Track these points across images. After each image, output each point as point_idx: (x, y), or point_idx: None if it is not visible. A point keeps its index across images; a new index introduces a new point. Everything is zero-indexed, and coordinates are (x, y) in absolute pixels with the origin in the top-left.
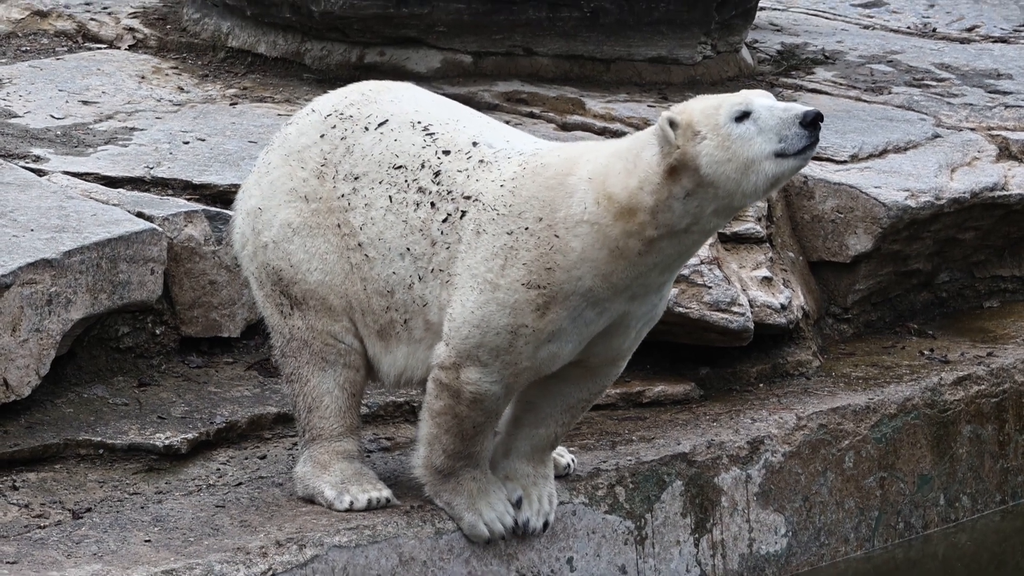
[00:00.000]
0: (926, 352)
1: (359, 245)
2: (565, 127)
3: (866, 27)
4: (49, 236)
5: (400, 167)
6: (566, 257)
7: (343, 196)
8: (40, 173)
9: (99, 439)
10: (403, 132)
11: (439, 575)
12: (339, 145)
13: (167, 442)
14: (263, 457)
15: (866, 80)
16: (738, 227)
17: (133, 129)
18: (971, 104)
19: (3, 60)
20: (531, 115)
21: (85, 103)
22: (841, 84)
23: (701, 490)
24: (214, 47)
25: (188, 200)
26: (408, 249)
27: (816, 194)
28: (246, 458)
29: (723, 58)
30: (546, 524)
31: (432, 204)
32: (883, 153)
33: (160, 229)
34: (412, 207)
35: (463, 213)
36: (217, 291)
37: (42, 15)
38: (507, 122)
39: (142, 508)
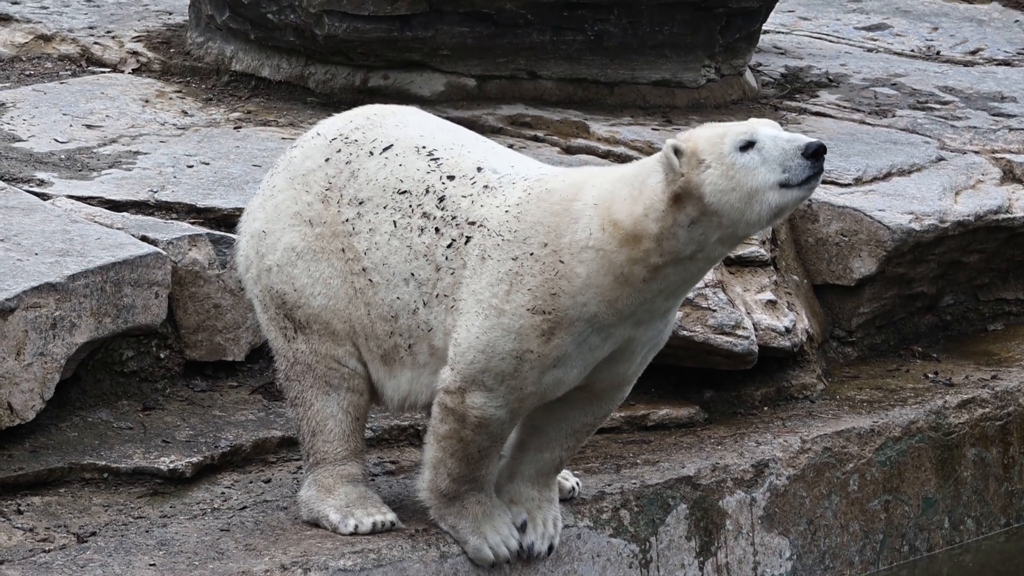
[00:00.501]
0: (930, 375)
1: (363, 270)
2: (569, 150)
3: (870, 50)
4: (53, 260)
5: (405, 192)
6: (571, 283)
7: (347, 220)
8: (44, 197)
9: (104, 463)
10: (408, 157)
11: None
12: (344, 169)
13: (172, 466)
14: (268, 481)
15: (870, 103)
16: (742, 250)
17: (137, 153)
18: (975, 127)
19: (7, 84)
20: (535, 138)
21: (89, 127)
22: (845, 107)
23: (706, 513)
24: (218, 71)
25: (192, 224)
26: (412, 274)
27: (820, 217)
28: (251, 482)
29: (727, 81)
30: (551, 548)
31: (437, 229)
32: (887, 176)
33: (164, 253)
34: (416, 232)
35: (468, 239)
36: (221, 315)
37: (46, 39)
38: (511, 146)
39: (147, 532)
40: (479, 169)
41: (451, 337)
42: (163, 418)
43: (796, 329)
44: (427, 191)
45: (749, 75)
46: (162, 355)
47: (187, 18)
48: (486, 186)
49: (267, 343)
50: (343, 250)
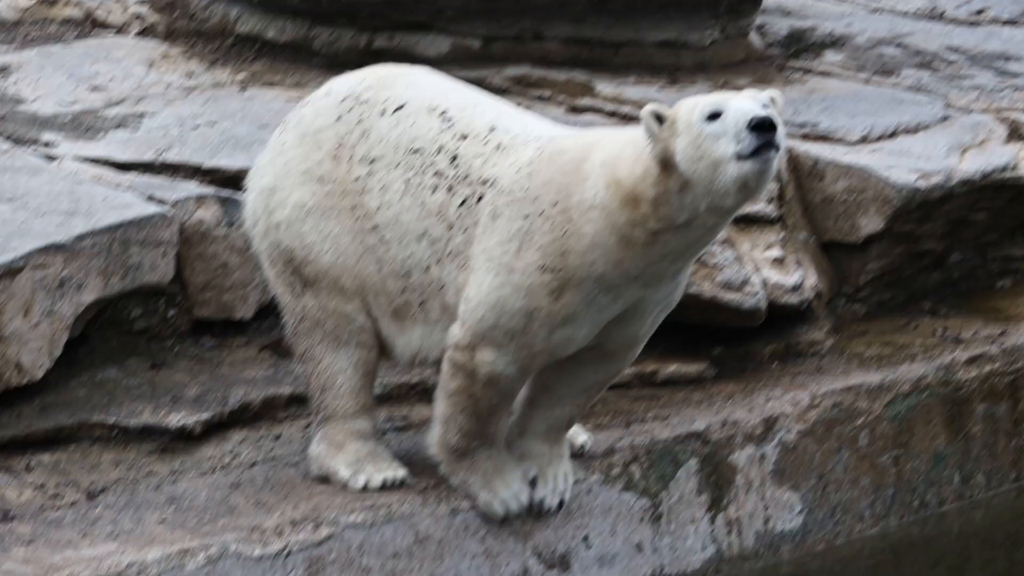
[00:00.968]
0: (939, 331)
1: (375, 227)
2: (575, 110)
3: (874, 10)
4: (60, 220)
5: (417, 151)
6: (579, 242)
7: (358, 179)
8: (50, 158)
9: (113, 420)
10: (420, 116)
11: (455, 553)
12: (355, 128)
13: (181, 423)
14: (277, 437)
15: (875, 63)
16: (749, 208)
17: (143, 114)
18: (980, 86)
19: (11, 47)
20: (541, 99)
21: (94, 89)
22: (850, 67)
23: (716, 468)
24: (223, 33)
25: (199, 184)
26: (425, 232)
27: (827, 175)
28: (260, 438)
29: (732, 42)
30: (561, 502)
31: (449, 188)
32: (893, 135)
33: (171, 213)
34: (429, 191)
35: (480, 197)
36: (229, 273)
37: (50, 3)
38: (517, 105)
39: (157, 488)
40: (492, 129)
41: (462, 294)
42: (172, 376)
43: (804, 286)
44: (440, 150)
45: (754, 36)
46: (170, 313)
47: None
48: (499, 145)
49: (275, 300)
50: (353, 208)
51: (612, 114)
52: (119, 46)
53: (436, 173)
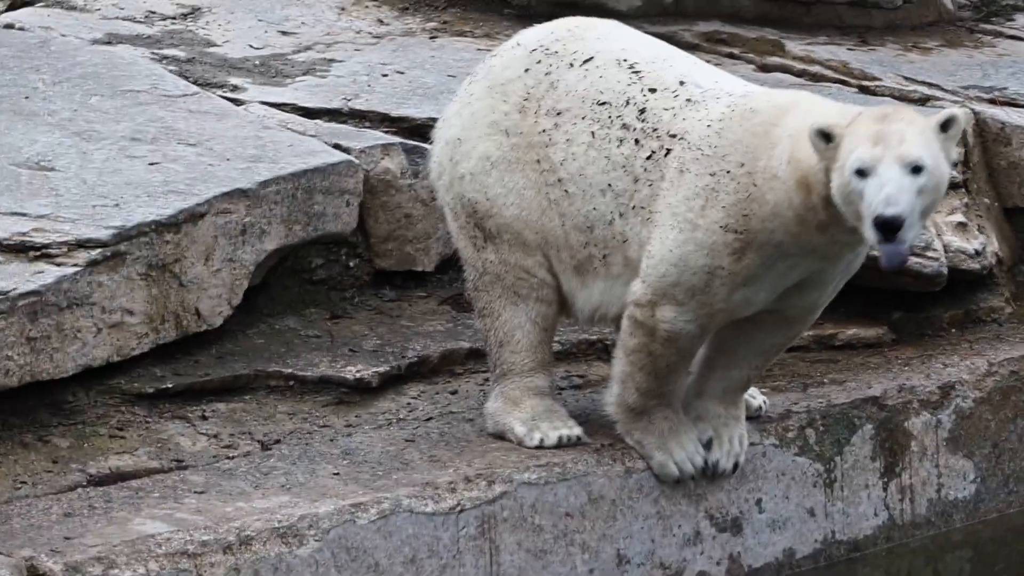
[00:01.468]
0: None
1: (559, 181)
2: (764, 68)
3: None
4: (245, 166)
5: (604, 103)
6: (761, 208)
7: (544, 131)
8: (237, 103)
9: (290, 371)
10: (609, 69)
11: (627, 514)
12: (543, 80)
13: (358, 375)
14: (454, 392)
15: None
16: None
17: (331, 60)
18: None
19: None
20: (730, 56)
21: (284, 33)
22: None
23: (891, 434)
24: None
25: (385, 133)
26: (610, 185)
27: (1014, 140)
28: (437, 393)
29: (923, 3)
30: (736, 465)
31: (636, 141)
32: None
33: (356, 161)
34: (615, 143)
35: (668, 151)
36: (412, 225)
37: None
38: (706, 62)
39: (331, 441)
40: (681, 83)
41: (645, 249)
42: (350, 327)
43: (986, 252)
44: (627, 103)
45: None
46: (351, 264)
47: None
48: (688, 99)
49: (457, 253)
50: (538, 161)
51: (801, 73)
52: None
53: (623, 126)
